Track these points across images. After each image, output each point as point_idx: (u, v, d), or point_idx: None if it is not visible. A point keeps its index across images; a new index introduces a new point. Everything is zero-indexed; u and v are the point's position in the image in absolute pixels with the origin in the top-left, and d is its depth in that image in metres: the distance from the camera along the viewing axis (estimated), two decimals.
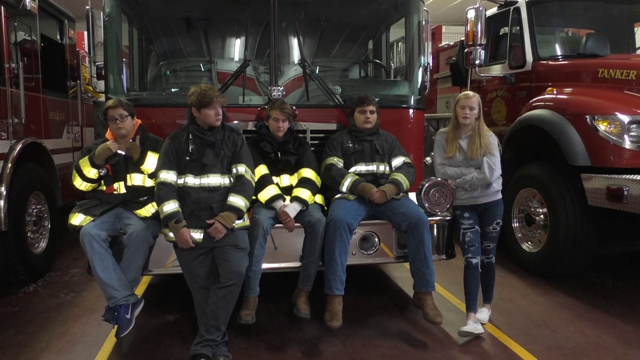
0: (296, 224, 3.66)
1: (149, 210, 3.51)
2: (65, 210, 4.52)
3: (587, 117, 4.50)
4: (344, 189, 3.78)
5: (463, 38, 5.69)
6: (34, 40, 5.43)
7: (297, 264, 3.73)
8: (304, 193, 3.72)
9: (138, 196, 3.55)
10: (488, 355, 3.47)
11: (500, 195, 3.75)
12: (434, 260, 3.73)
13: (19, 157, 4.71)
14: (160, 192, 3.32)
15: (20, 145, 4.77)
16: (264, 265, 3.60)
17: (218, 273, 3.33)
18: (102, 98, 4.82)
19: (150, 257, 3.54)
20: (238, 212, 3.33)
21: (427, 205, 3.79)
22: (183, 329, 3.82)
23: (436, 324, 3.62)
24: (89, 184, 3.54)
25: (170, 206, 3.27)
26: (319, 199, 3.93)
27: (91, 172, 3.48)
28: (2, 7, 4.57)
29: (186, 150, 3.39)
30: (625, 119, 4.34)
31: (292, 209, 3.64)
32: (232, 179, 3.45)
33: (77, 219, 3.44)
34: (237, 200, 3.34)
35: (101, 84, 4.27)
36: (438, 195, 3.76)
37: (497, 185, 3.71)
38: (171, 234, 3.30)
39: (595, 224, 4.70)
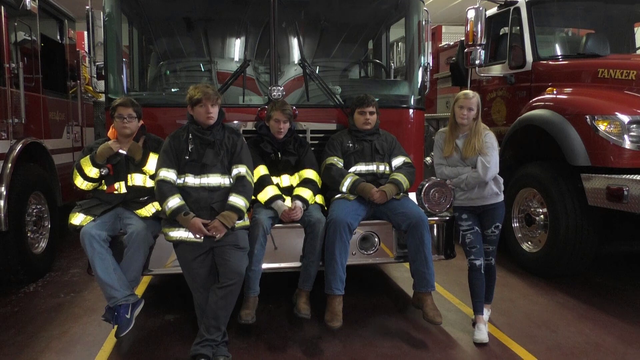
0: (296, 224, 3.66)
1: (149, 210, 3.51)
2: (65, 210, 4.52)
3: (587, 117, 4.50)
4: (344, 189, 3.79)
5: (463, 38, 5.70)
6: (34, 40, 5.42)
7: (297, 264, 3.73)
8: (306, 193, 3.73)
9: (139, 196, 3.56)
10: (488, 355, 3.47)
11: (500, 198, 3.66)
12: (433, 260, 3.72)
13: (19, 157, 4.71)
14: (162, 189, 3.32)
15: (20, 145, 4.77)
16: (264, 265, 3.60)
17: (218, 273, 3.33)
18: (102, 98, 4.82)
19: (150, 257, 3.54)
20: (239, 213, 3.34)
21: (427, 205, 3.79)
22: (183, 329, 3.82)
23: (436, 324, 3.62)
24: (90, 184, 3.55)
25: (175, 201, 3.28)
26: (319, 199, 3.93)
27: (92, 172, 3.48)
28: (2, 7, 4.57)
29: (186, 149, 3.40)
30: (625, 119, 4.34)
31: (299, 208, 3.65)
32: (232, 179, 3.46)
33: (78, 218, 3.44)
34: (238, 201, 3.35)
35: (101, 84, 4.28)
36: (438, 196, 3.75)
37: (496, 187, 3.63)
38: (171, 234, 3.31)
39: (595, 224, 4.70)
